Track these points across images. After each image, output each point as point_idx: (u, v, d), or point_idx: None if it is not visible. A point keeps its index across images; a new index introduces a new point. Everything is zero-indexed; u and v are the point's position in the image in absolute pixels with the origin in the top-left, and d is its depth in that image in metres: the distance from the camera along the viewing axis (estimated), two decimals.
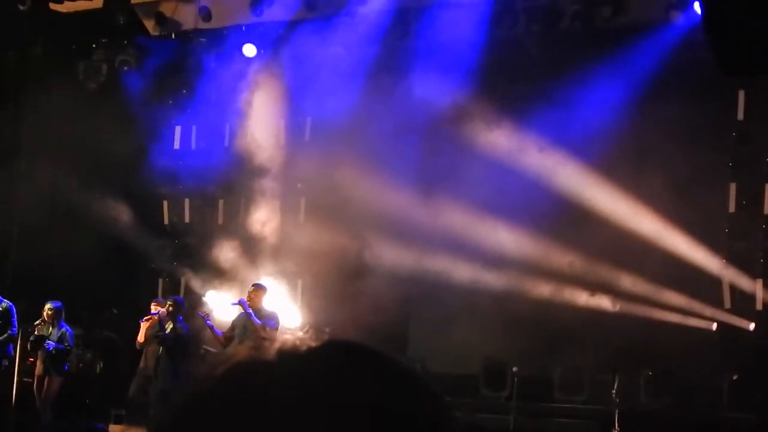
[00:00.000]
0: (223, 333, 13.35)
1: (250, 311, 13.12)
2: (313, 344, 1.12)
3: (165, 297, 15.21)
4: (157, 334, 13.75)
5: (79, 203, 16.05)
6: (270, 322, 13.09)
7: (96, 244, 16.15)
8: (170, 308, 13.78)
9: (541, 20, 14.65)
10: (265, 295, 13.48)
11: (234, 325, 13.29)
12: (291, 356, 1.10)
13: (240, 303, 13.30)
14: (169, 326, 13.70)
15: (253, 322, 13.03)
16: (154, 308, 14.13)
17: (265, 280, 15.36)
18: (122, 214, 16.57)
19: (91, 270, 15.83)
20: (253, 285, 13.69)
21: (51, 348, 13.84)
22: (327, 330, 13.82)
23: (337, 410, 1.03)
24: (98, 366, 15.94)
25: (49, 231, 16.30)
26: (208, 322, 13.34)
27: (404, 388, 1.09)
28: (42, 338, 13.91)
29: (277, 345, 1.11)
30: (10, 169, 16.75)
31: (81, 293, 15.11)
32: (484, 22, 14.81)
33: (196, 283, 15.83)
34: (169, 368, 13.61)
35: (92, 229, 16.14)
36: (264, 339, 12.73)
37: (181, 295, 15.60)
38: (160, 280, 16.73)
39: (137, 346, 14.20)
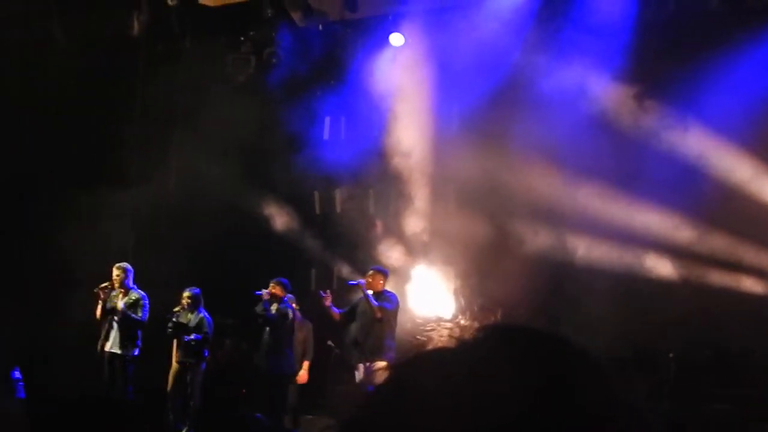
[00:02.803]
0: (341, 311, 14.06)
1: (368, 293, 13.78)
2: (490, 329, 1.19)
3: (316, 287, 15.81)
4: (261, 314, 14.43)
5: (230, 195, 16.89)
6: (387, 304, 13.71)
7: (248, 235, 16.99)
8: (274, 289, 14.47)
9: (690, 0, 14.94)
10: (384, 279, 14.04)
11: (354, 306, 14.00)
12: (472, 343, 1.17)
13: (359, 284, 13.98)
14: (273, 307, 14.37)
15: (371, 304, 13.69)
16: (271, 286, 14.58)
17: (418, 268, 16.01)
18: (273, 205, 17.35)
19: (243, 261, 16.65)
20: (371, 269, 14.31)
21: (188, 340, 14.62)
22: (498, 312, 14.18)
23: (513, 393, 1.08)
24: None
25: (201, 223, 17.03)
26: (365, 290, 13.86)
27: (583, 370, 1.14)
28: (180, 326, 14.65)
29: (452, 333, 1.36)
30: (161, 163, 17.75)
31: (234, 284, 15.79)
32: (632, 5, 15.17)
33: (347, 273, 16.40)
34: (272, 349, 14.35)
35: (244, 221, 16.97)
36: (379, 320, 13.51)
37: (334, 285, 16.29)
38: (313, 271, 17.33)
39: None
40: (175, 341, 14.82)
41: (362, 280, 14.07)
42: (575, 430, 1.07)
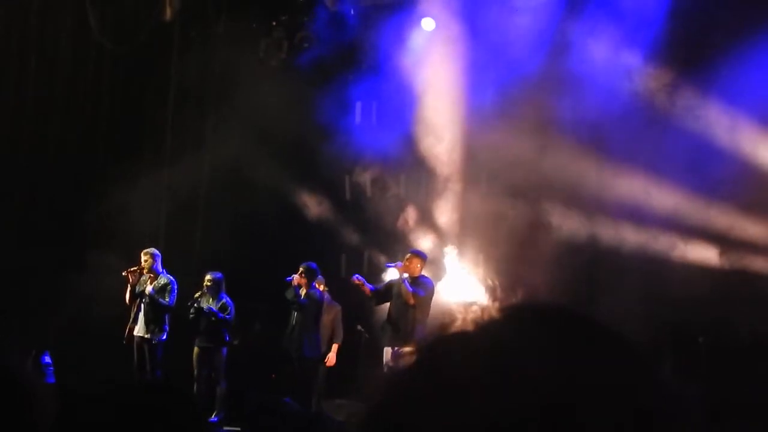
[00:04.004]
0: (375, 288, 14.04)
1: (405, 276, 13.74)
2: (513, 309, 1.19)
3: (347, 272, 15.88)
4: (293, 300, 14.42)
5: (263, 180, 17.01)
6: (421, 290, 13.61)
7: (279, 219, 17.07)
8: (303, 274, 14.43)
9: None
10: (422, 263, 13.95)
11: (389, 286, 13.97)
12: (490, 324, 1.16)
13: (396, 266, 13.94)
14: (302, 292, 14.35)
15: (405, 288, 13.65)
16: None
17: (448, 252, 16.00)
18: (304, 190, 17.37)
19: (273, 245, 16.73)
20: (410, 252, 14.27)
21: (207, 311, 14.63)
22: (519, 293, 14.16)
23: (537, 374, 1.08)
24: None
25: (233, 207, 17.27)
26: (402, 273, 13.81)
27: (611, 352, 1.13)
28: (202, 311, 14.74)
29: (471, 315, 1.17)
30: (196, 147, 17.83)
31: (264, 268, 15.97)
32: None
33: (378, 258, 16.46)
34: (302, 334, 14.34)
35: (275, 205, 17.05)
36: (412, 306, 13.48)
37: (364, 270, 16.32)
38: (343, 255, 17.38)
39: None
40: (198, 326, 14.90)
41: (399, 263, 14.10)
42: (605, 410, 1.07)
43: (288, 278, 14.53)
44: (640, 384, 1.11)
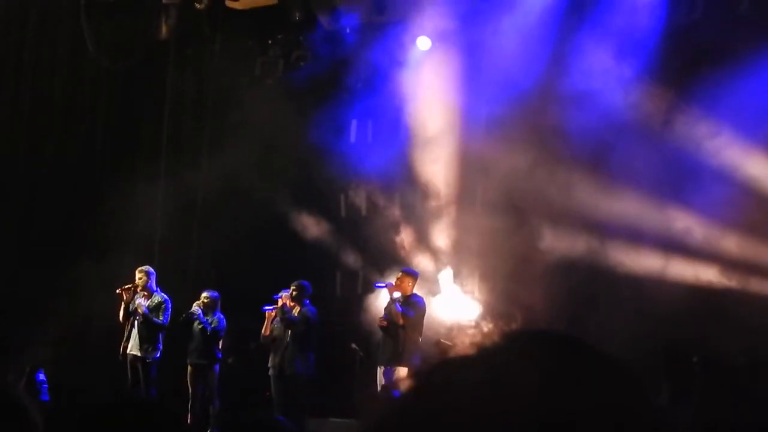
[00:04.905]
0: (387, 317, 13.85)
1: (396, 295, 13.65)
2: (514, 334, 1.19)
3: (342, 291, 15.83)
4: (283, 317, 14.26)
5: (259, 197, 16.94)
6: (411, 311, 13.55)
7: (273, 237, 17.05)
8: (294, 292, 14.31)
9: (719, 5, 14.82)
10: (413, 281, 13.94)
11: (385, 311, 13.85)
12: (490, 350, 1.16)
13: (386, 287, 13.87)
14: (295, 310, 14.26)
15: (394, 308, 13.57)
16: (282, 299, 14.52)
17: (443, 271, 15.99)
18: (299, 207, 17.23)
19: (269, 263, 16.71)
20: (401, 270, 14.22)
21: (196, 317, 14.60)
22: (520, 317, 14.12)
23: (538, 400, 1.08)
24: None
25: (228, 224, 17.19)
26: (391, 293, 13.75)
27: (609, 379, 1.13)
28: (191, 314, 14.68)
29: (473, 338, 1.16)
30: (191, 165, 17.83)
31: (258, 286, 15.83)
32: (661, 9, 15.13)
33: (373, 276, 16.27)
34: (297, 354, 14.22)
35: (269, 223, 17.01)
36: (402, 326, 13.45)
37: (359, 289, 16.30)
38: (338, 274, 17.31)
39: (262, 340, 14.68)
40: (190, 344, 14.86)
41: (390, 282, 14.06)
42: None
43: (276, 296, 14.55)
44: (638, 411, 1.12)
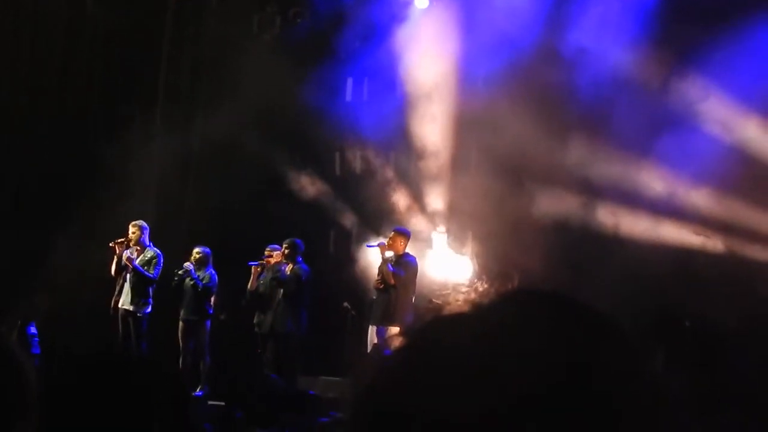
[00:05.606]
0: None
1: (388, 255, 13.63)
2: (508, 294, 1.19)
3: (335, 249, 15.81)
4: (275, 277, 14.31)
5: (252, 154, 16.88)
6: (401, 270, 13.52)
7: (267, 195, 17.01)
8: (287, 250, 14.32)
9: None
10: (405, 241, 13.88)
11: (378, 271, 13.81)
12: (484, 308, 1.16)
13: (378, 245, 13.84)
14: (288, 268, 14.26)
15: (386, 268, 13.56)
16: (267, 253, 14.66)
17: (437, 233, 15.97)
18: (293, 165, 17.26)
19: (262, 222, 16.68)
20: (393, 229, 14.15)
21: (188, 274, 14.66)
22: (515, 277, 14.10)
23: (533, 359, 1.07)
24: None
25: (222, 180, 17.16)
26: (383, 253, 13.73)
27: (603, 340, 1.13)
28: (183, 272, 14.73)
29: (467, 297, 1.16)
30: (186, 120, 17.79)
31: (252, 246, 15.75)
32: None
33: (367, 235, 16.27)
34: (288, 313, 14.24)
35: (265, 180, 16.99)
36: (393, 285, 13.46)
37: (351, 247, 16.29)
38: (332, 232, 17.32)
39: (247, 295, 14.73)
40: (181, 300, 14.88)
41: (382, 242, 14.05)
42: (595, 397, 1.07)
43: (252, 263, 14.65)
44: (633, 370, 1.12)
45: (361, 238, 16.34)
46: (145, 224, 14.83)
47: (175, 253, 15.10)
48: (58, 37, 18.33)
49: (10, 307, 14.86)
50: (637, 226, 15.07)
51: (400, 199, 16.55)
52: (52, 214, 16.78)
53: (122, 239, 14.61)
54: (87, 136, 17.75)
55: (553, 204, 15.43)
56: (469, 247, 16.00)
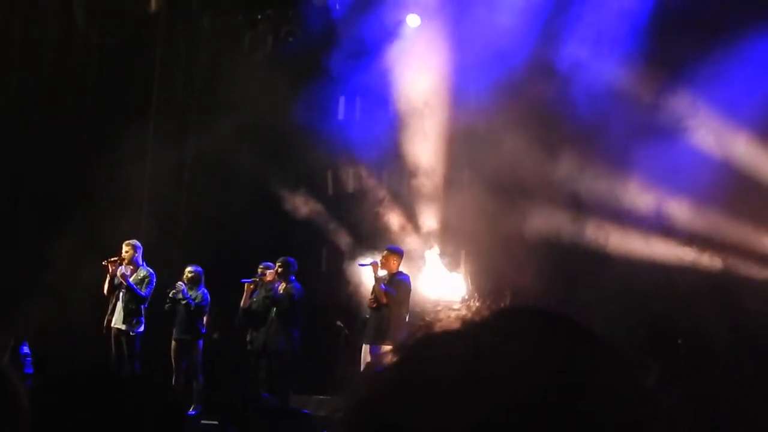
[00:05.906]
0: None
1: (380, 274, 13.59)
2: (495, 311, 1.18)
3: (327, 268, 15.78)
4: (268, 295, 14.30)
5: (245, 174, 16.93)
6: (393, 290, 13.49)
7: (260, 213, 17.00)
8: (280, 269, 14.30)
9: None
10: (398, 260, 13.84)
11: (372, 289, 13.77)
12: (476, 324, 1.15)
13: (371, 264, 13.80)
14: (281, 287, 14.24)
15: (378, 287, 13.53)
16: (260, 271, 14.66)
17: (431, 251, 15.97)
18: (286, 184, 17.23)
19: (255, 239, 16.68)
20: (386, 249, 14.11)
21: (181, 296, 14.60)
22: (507, 295, 14.02)
23: (525, 375, 1.07)
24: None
25: (214, 198, 17.02)
26: (375, 272, 13.68)
27: (596, 356, 1.12)
28: (175, 292, 14.66)
29: (459, 314, 1.15)
30: (179, 139, 17.79)
31: (244, 264, 15.77)
32: None
33: (359, 254, 16.17)
34: (281, 331, 14.19)
35: (257, 198, 16.95)
36: (386, 304, 13.45)
37: (344, 266, 16.27)
38: (324, 251, 17.27)
39: (240, 313, 14.70)
40: (173, 319, 14.85)
41: (375, 261, 14.05)
42: (588, 412, 1.06)
43: (245, 280, 14.61)
44: (626, 388, 1.11)
45: (354, 257, 16.33)
46: (138, 243, 14.82)
47: (167, 270, 15.05)
48: (50, 53, 18.34)
49: (3, 327, 14.83)
50: (628, 241, 15.08)
51: (393, 217, 16.52)
52: (44, 229, 16.76)
53: (115, 258, 14.59)
54: (80, 152, 17.75)
55: (545, 220, 15.43)
56: (462, 266, 15.97)
